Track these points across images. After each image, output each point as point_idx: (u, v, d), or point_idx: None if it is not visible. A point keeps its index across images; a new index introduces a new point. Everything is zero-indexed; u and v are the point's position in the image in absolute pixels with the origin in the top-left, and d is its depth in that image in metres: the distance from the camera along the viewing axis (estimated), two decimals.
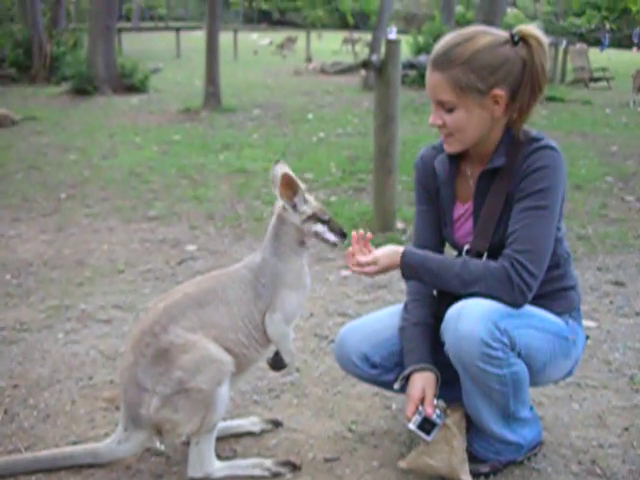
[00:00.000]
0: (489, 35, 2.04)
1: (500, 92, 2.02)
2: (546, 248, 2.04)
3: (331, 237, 2.23)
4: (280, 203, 2.23)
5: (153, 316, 2.15)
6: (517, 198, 2.07)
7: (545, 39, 2.03)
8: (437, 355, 2.18)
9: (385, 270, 2.15)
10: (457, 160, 2.25)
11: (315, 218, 2.22)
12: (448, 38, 2.07)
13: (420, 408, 2.12)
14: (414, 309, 2.29)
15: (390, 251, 2.15)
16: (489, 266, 2.04)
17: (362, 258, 2.14)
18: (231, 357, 2.16)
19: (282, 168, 2.20)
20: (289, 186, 2.17)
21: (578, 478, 2.25)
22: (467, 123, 2.07)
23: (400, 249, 2.14)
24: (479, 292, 2.02)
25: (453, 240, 2.30)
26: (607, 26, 33.67)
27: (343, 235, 2.24)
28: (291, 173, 2.17)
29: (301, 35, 29.02)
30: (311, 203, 2.23)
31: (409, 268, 2.11)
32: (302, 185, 2.22)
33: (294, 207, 2.21)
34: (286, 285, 2.23)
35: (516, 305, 2.03)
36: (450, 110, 2.06)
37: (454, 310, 2.04)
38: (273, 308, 2.22)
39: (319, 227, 2.23)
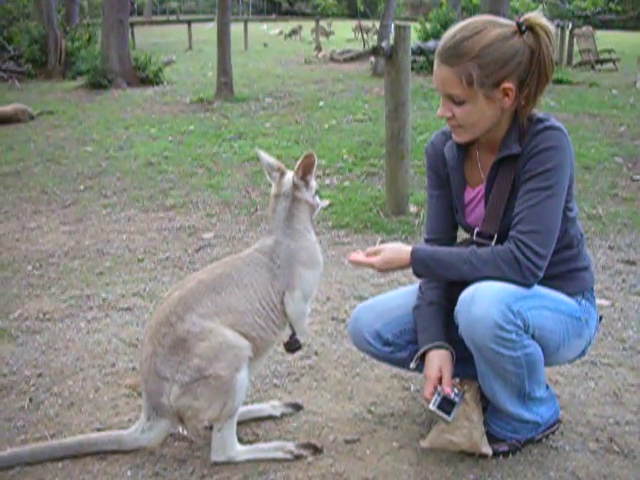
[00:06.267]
0: (497, 27, 2.01)
1: (509, 85, 2.01)
2: (552, 228, 2.03)
3: (321, 203, 2.43)
4: (289, 185, 2.31)
5: (169, 306, 2.17)
6: (523, 180, 2.06)
7: (551, 27, 2.01)
8: (451, 333, 2.18)
9: (388, 263, 2.15)
10: (466, 146, 2.25)
11: (316, 191, 2.37)
12: (456, 30, 2.03)
13: (438, 388, 2.12)
14: (428, 290, 2.29)
15: (397, 247, 2.18)
16: (497, 250, 2.04)
17: (368, 249, 2.21)
18: (248, 342, 2.18)
19: (262, 153, 2.38)
20: (312, 165, 2.29)
21: (596, 455, 2.25)
22: (476, 116, 2.06)
23: (408, 247, 2.15)
24: (490, 275, 2.02)
25: (465, 224, 2.30)
26: None
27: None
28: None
29: (310, 24, 28.83)
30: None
31: (420, 263, 2.11)
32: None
33: (307, 184, 2.33)
34: (302, 263, 2.28)
35: (527, 285, 2.03)
36: (459, 103, 2.05)
37: (467, 293, 2.04)
38: (292, 287, 2.26)
39: (317, 198, 2.38)
